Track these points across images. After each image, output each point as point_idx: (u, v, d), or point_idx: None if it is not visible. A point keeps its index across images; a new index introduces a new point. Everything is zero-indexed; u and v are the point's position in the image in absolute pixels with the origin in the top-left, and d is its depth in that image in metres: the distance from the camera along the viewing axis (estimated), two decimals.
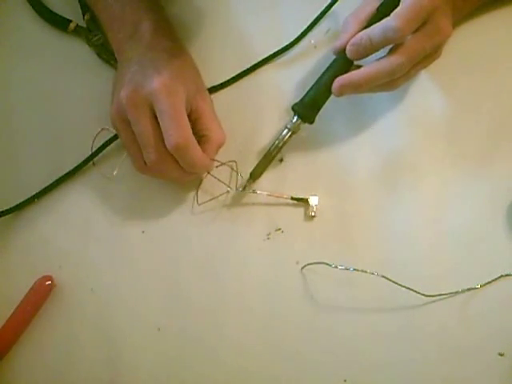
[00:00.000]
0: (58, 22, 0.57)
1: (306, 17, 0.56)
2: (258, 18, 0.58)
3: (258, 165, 0.51)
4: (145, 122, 0.46)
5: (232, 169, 0.52)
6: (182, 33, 0.55)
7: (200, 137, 0.50)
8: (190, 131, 0.47)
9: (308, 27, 0.56)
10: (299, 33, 0.56)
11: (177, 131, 0.46)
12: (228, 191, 0.52)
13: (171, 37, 0.52)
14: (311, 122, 0.50)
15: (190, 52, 0.54)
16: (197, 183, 0.52)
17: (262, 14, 0.58)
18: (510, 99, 0.53)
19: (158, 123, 0.46)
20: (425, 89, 0.54)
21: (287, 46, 0.56)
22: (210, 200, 0.51)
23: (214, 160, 0.50)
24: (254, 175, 0.51)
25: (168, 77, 0.46)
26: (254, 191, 0.51)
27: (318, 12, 0.56)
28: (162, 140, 0.46)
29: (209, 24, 0.57)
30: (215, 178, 0.51)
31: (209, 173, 0.51)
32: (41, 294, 0.50)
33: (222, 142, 0.50)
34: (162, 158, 0.47)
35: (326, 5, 0.56)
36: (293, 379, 0.48)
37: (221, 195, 0.52)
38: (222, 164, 0.51)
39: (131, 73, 0.48)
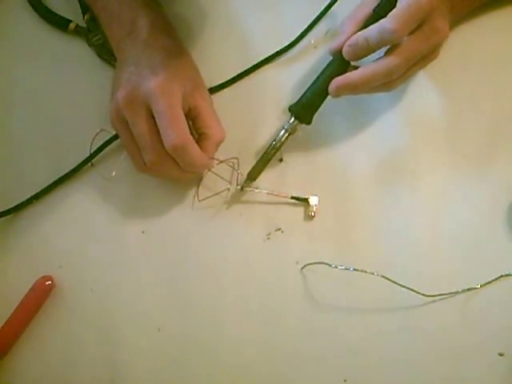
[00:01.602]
0: (58, 22, 0.57)
1: (306, 17, 0.56)
2: (258, 18, 0.58)
3: (255, 165, 0.51)
4: (142, 123, 0.47)
5: (232, 167, 0.52)
6: (183, 33, 0.55)
7: (199, 134, 0.50)
8: (188, 131, 0.47)
9: (308, 27, 0.56)
10: (299, 33, 0.56)
11: (174, 131, 0.46)
12: (228, 188, 0.52)
13: (169, 34, 0.52)
14: (308, 122, 0.51)
15: (191, 52, 0.54)
16: (197, 181, 0.52)
17: (262, 14, 0.58)
18: (510, 99, 0.53)
19: (156, 123, 0.47)
20: (424, 89, 0.54)
21: (287, 46, 0.56)
22: (211, 196, 0.51)
23: (213, 158, 0.50)
24: (252, 176, 0.51)
25: (164, 77, 0.46)
26: (253, 190, 0.51)
27: (318, 12, 0.56)
28: (160, 140, 0.46)
29: (209, 24, 0.57)
30: (216, 174, 0.51)
31: (210, 170, 0.51)
32: (41, 294, 0.49)
33: (221, 139, 0.50)
34: (160, 158, 0.47)
35: (325, 5, 0.56)
36: (293, 379, 0.48)
37: (221, 192, 0.52)
38: (223, 161, 0.51)
39: (128, 73, 0.48)
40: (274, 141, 0.51)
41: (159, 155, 0.47)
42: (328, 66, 0.49)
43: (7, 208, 0.52)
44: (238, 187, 0.52)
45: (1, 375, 0.48)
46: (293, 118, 0.50)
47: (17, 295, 0.49)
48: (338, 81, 0.47)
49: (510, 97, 0.53)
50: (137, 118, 0.47)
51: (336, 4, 0.55)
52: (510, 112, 0.53)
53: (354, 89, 0.47)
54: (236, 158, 0.52)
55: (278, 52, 0.56)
